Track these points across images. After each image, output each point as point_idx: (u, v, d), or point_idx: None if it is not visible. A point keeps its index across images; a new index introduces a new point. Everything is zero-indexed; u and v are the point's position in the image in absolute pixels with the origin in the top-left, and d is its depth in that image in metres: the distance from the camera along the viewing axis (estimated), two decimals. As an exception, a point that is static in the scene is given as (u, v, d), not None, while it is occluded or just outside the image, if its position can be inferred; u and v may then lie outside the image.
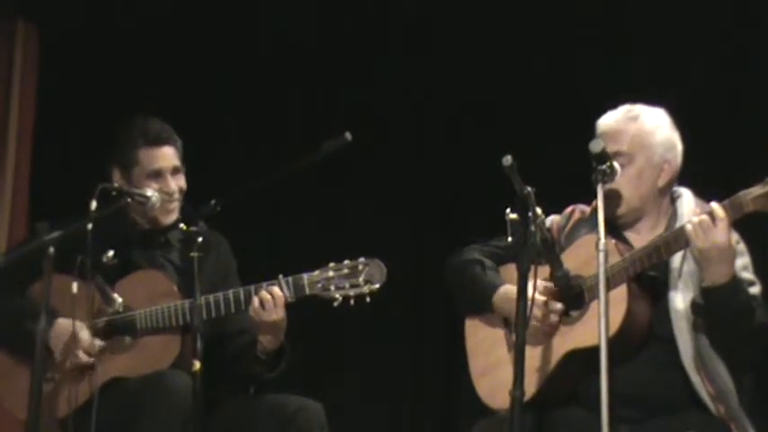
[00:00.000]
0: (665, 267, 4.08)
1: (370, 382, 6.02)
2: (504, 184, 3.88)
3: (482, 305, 4.28)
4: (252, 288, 4.41)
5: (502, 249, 4.28)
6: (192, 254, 4.22)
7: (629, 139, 4.15)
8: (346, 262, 4.34)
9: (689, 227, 3.94)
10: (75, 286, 4.34)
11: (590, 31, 5.80)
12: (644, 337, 4.06)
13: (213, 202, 4.28)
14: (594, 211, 4.05)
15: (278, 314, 4.37)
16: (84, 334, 4.43)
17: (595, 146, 4.01)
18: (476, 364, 4.33)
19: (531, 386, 3.99)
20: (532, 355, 4.07)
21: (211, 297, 4.38)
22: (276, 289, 4.36)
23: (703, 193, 4.17)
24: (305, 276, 4.36)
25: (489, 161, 3.97)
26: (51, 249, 4.22)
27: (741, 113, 5.49)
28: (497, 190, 3.92)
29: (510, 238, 3.89)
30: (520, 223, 3.87)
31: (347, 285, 4.32)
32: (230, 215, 4.31)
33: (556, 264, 4.03)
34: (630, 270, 4.04)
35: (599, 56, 5.76)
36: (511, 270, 4.05)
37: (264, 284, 4.38)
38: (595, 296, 3.94)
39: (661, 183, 4.18)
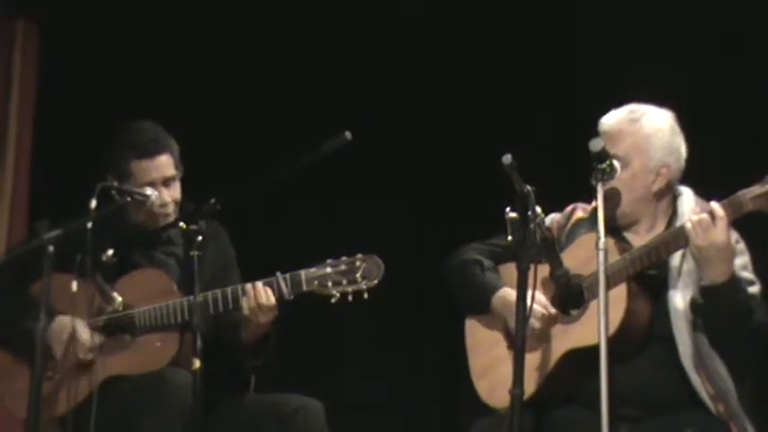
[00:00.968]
0: (664, 266, 4.08)
1: (370, 381, 6.02)
2: (504, 183, 3.88)
3: (480, 306, 4.29)
4: (239, 287, 4.41)
5: (501, 248, 4.28)
6: (191, 253, 4.22)
7: (627, 143, 4.15)
8: (344, 258, 4.35)
9: (688, 225, 3.94)
10: (74, 285, 4.33)
11: (591, 29, 5.80)
12: (643, 337, 4.06)
13: (213, 200, 4.28)
14: (594, 210, 4.05)
15: (267, 317, 4.38)
16: (84, 330, 4.43)
17: (595, 145, 4.00)
18: (475, 364, 4.33)
19: (530, 385, 3.99)
20: (532, 354, 4.07)
21: (209, 294, 4.38)
22: (267, 291, 4.36)
23: (703, 193, 4.17)
24: (302, 273, 4.37)
25: (489, 160, 3.97)
26: (51, 248, 4.23)
27: (741, 112, 5.49)
28: (497, 189, 3.92)
29: (510, 237, 3.89)
30: (520, 222, 3.87)
31: (344, 282, 4.33)
32: (230, 213, 4.31)
33: (555, 263, 4.03)
34: (630, 269, 4.04)
35: (599, 54, 5.76)
36: (511, 269, 4.05)
37: (261, 282, 4.39)
38: (595, 295, 3.94)
39: (656, 187, 4.17)
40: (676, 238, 4.00)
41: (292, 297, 4.38)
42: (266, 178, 4.30)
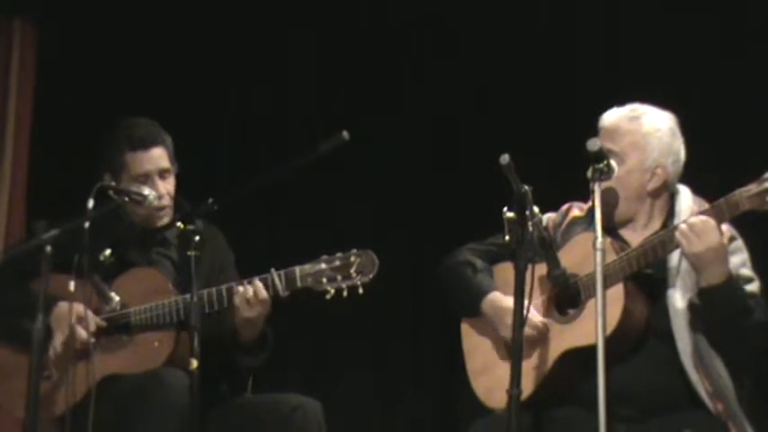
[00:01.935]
0: (662, 265, 4.08)
1: (368, 380, 6.02)
2: (501, 183, 3.88)
3: (470, 309, 4.29)
4: (232, 284, 4.41)
5: (498, 247, 4.28)
6: (189, 252, 4.22)
7: (624, 140, 4.15)
8: (338, 254, 4.35)
9: (678, 233, 3.94)
10: (72, 285, 4.34)
11: (589, 29, 5.80)
12: (641, 336, 4.06)
13: (211, 200, 4.28)
14: (590, 209, 4.05)
15: (257, 310, 4.38)
16: (87, 312, 4.42)
17: (592, 145, 4.00)
18: (473, 364, 4.33)
19: (528, 385, 4.00)
20: (529, 354, 4.07)
21: (204, 292, 4.39)
22: (258, 284, 4.37)
23: (701, 192, 4.17)
24: (297, 269, 4.37)
25: (487, 160, 3.97)
26: (48, 248, 4.23)
27: (738, 112, 5.49)
28: (495, 188, 3.92)
29: (507, 237, 3.89)
30: (517, 222, 3.87)
31: (339, 278, 4.33)
32: (227, 213, 4.31)
33: (553, 262, 4.03)
34: (627, 269, 4.04)
35: (597, 55, 5.76)
36: (507, 268, 4.05)
37: (256, 278, 4.39)
38: (592, 295, 3.93)
39: (651, 186, 4.17)
40: (673, 237, 4.00)
41: (287, 293, 4.38)
42: (264, 178, 4.31)
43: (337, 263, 4.35)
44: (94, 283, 4.48)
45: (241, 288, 4.38)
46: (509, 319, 3.93)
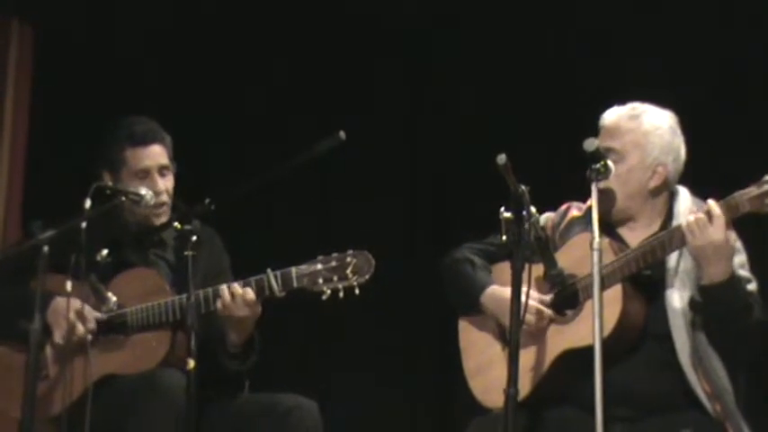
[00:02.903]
0: (660, 266, 4.08)
1: (364, 380, 6.01)
2: (498, 183, 3.88)
3: (470, 305, 4.30)
4: (226, 285, 4.41)
5: (496, 247, 4.28)
6: (186, 252, 4.22)
7: (625, 138, 4.16)
8: (334, 255, 4.35)
9: (685, 225, 3.95)
10: (69, 285, 4.34)
11: (589, 29, 5.80)
12: (638, 337, 4.06)
13: (207, 200, 4.28)
14: (589, 209, 4.05)
15: (244, 311, 4.37)
16: (82, 305, 4.42)
17: (589, 145, 4.01)
18: (469, 364, 4.33)
19: (525, 386, 4.00)
20: (526, 354, 4.08)
21: (201, 293, 4.38)
22: (239, 288, 4.36)
23: (700, 193, 4.18)
24: (293, 270, 4.37)
25: (484, 159, 3.97)
26: (45, 248, 4.22)
27: (739, 113, 5.49)
28: (492, 188, 3.92)
29: (504, 237, 3.89)
30: (514, 222, 3.87)
31: (335, 278, 4.32)
32: (224, 213, 4.31)
33: (550, 262, 4.04)
34: (626, 270, 4.04)
35: (596, 54, 5.76)
36: (505, 268, 4.05)
37: (252, 279, 4.39)
38: (590, 296, 3.94)
39: (652, 185, 4.18)
40: (672, 238, 4.01)
41: (283, 294, 4.38)
42: (260, 178, 4.30)
43: (333, 263, 4.35)
44: (91, 283, 4.48)
45: (226, 288, 4.37)
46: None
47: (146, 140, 4.61)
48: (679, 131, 4.22)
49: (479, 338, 4.30)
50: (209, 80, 6.18)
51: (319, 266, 4.34)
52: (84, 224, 4.31)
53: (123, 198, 4.55)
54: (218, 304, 4.36)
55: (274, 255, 4.50)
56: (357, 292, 4.32)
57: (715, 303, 3.97)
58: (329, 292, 4.33)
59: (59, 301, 4.42)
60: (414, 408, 6.11)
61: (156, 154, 4.63)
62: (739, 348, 4.05)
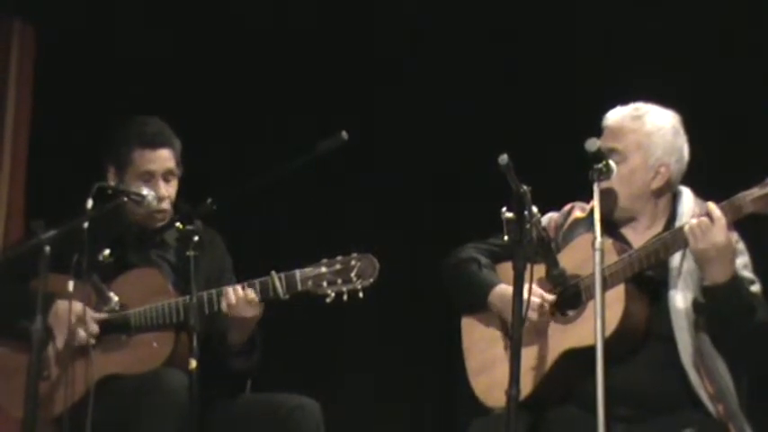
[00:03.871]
0: (663, 266, 4.08)
1: (366, 380, 6.02)
2: (500, 183, 3.88)
3: (477, 303, 4.29)
4: (231, 287, 4.41)
5: (499, 247, 4.28)
6: (188, 252, 4.22)
7: (628, 139, 4.16)
8: (339, 258, 4.35)
9: (687, 229, 3.94)
10: (71, 285, 4.34)
11: (589, 29, 5.80)
12: (641, 338, 4.06)
13: (209, 200, 4.28)
14: (592, 210, 4.05)
15: (247, 312, 4.37)
16: (83, 310, 4.42)
17: (591, 145, 4.02)
18: (472, 363, 4.32)
19: (527, 385, 4.00)
20: (529, 354, 4.07)
21: (204, 295, 4.38)
22: (242, 289, 4.35)
23: (703, 194, 4.17)
24: (297, 273, 4.37)
25: (485, 160, 3.97)
26: (47, 248, 4.22)
27: (741, 113, 5.49)
28: (494, 189, 3.92)
29: (506, 237, 3.90)
30: (516, 222, 3.88)
31: (339, 281, 4.32)
32: (226, 214, 4.31)
33: (552, 262, 4.04)
34: (628, 271, 4.04)
35: (597, 54, 5.76)
36: (508, 268, 4.05)
37: (257, 281, 4.39)
38: (592, 296, 3.93)
39: (655, 185, 4.17)
40: (675, 239, 4.00)
41: (287, 297, 4.38)
42: (263, 179, 4.30)
43: (338, 266, 4.35)
44: (93, 283, 4.48)
45: (231, 290, 4.37)
46: None
47: (155, 143, 4.61)
48: (682, 131, 4.22)
49: (482, 337, 4.30)
50: (210, 80, 6.18)
51: (323, 269, 4.34)
52: (86, 224, 4.31)
53: (125, 198, 4.55)
54: (224, 305, 4.36)
55: (276, 256, 4.51)
56: (361, 295, 4.32)
57: (718, 304, 3.97)
58: (333, 295, 4.33)
59: (61, 305, 4.42)
60: (416, 408, 6.11)
61: (164, 158, 4.61)
62: (742, 349, 4.05)
